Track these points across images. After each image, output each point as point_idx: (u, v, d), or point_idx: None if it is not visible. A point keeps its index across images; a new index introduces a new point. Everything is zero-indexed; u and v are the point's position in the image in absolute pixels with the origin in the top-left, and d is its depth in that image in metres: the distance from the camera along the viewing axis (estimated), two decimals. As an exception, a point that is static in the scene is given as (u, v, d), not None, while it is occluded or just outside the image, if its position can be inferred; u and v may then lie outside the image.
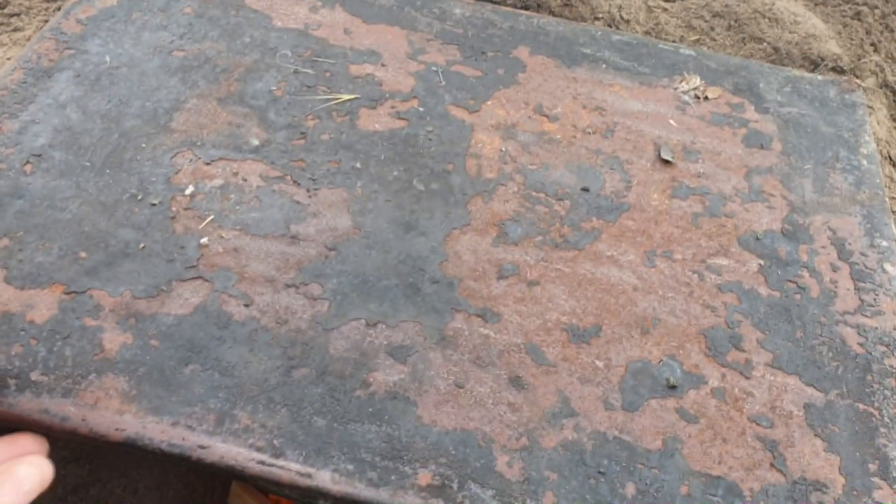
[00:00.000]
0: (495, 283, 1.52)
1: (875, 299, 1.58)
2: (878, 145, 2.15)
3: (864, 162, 1.83)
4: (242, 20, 1.97)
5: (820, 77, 2.03)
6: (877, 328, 1.54)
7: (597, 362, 1.43)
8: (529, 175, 1.72)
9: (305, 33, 1.96)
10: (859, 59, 2.38)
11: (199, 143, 1.69)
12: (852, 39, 2.48)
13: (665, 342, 1.48)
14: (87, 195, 1.58)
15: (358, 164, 1.69)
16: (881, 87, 2.35)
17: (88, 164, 1.63)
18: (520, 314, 1.48)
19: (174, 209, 1.57)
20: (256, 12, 2.00)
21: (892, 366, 1.49)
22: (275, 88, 1.82)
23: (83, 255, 1.48)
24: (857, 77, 2.31)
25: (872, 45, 2.50)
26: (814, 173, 1.79)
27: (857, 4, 2.62)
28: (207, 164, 1.65)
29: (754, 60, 2.05)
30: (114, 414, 1.28)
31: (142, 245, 1.51)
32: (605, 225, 1.65)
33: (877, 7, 2.62)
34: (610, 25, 2.41)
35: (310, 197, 1.62)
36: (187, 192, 1.60)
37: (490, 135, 1.78)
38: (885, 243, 1.68)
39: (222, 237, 1.53)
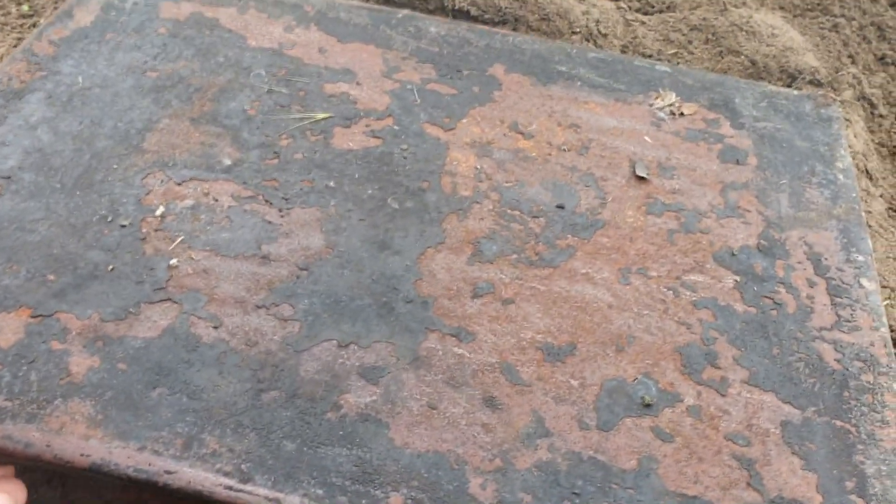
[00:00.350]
0: (470, 301, 1.50)
1: (852, 314, 1.57)
2: (854, 158, 2.15)
3: (840, 176, 1.83)
4: (217, 40, 1.96)
5: (795, 92, 2.03)
6: (853, 344, 1.53)
7: (571, 381, 1.41)
8: (505, 192, 1.70)
9: (280, 52, 1.94)
10: (837, 72, 2.38)
11: (170, 164, 1.67)
12: (830, 52, 2.48)
13: (640, 360, 1.46)
14: (56, 217, 1.56)
15: (332, 183, 1.67)
16: (858, 100, 2.35)
17: (59, 185, 1.61)
18: (494, 333, 1.46)
19: (144, 230, 1.55)
20: (231, 32, 1.99)
21: (868, 382, 1.47)
22: (248, 108, 1.80)
23: (51, 277, 1.46)
24: (835, 89, 2.31)
25: (850, 56, 2.51)
26: (790, 188, 1.79)
27: (835, 16, 2.63)
28: (179, 184, 1.63)
29: (730, 76, 2.05)
30: (79, 439, 1.26)
31: (111, 267, 1.48)
32: (579, 242, 1.63)
33: (854, 19, 2.63)
34: (588, 40, 2.40)
35: (282, 216, 1.60)
36: (158, 212, 1.58)
37: (465, 152, 1.77)
38: (861, 258, 1.67)
39: (192, 258, 1.51)
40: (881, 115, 2.36)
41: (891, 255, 2.12)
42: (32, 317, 1.40)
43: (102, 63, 1.87)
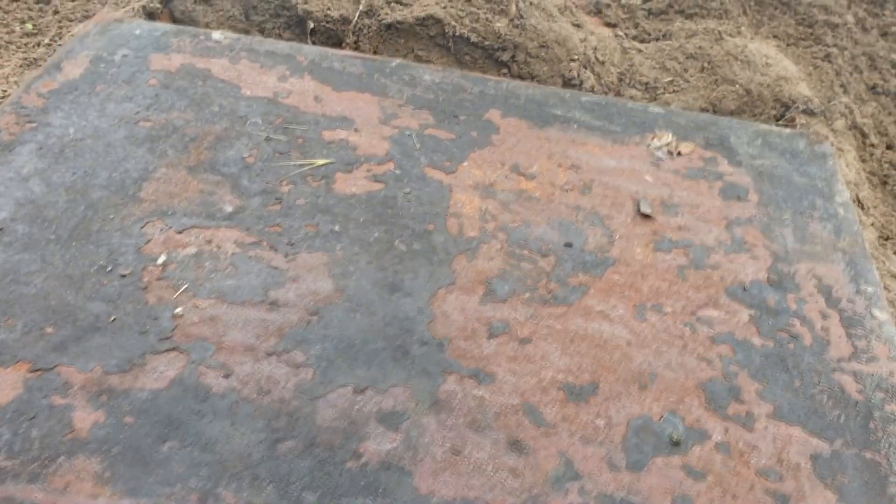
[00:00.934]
0: (486, 341, 1.45)
1: (868, 345, 1.55)
2: (846, 187, 2.15)
3: (841, 210, 1.82)
4: (210, 90, 1.92)
5: (788, 130, 2.04)
6: (873, 374, 1.50)
7: (597, 421, 1.36)
8: (512, 232, 1.67)
9: (275, 101, 1.91)
10: (829, 101, 2.40)
11: (169, 212, 1.61)
12: (822, 81, 2.51)
13: (664, 397, 1.41)
14: (52, 268, 1.48)
15: (337, 227, 1.62)
16: (850, 129, 2.37)
17: (53, 236, 1.54)
18: (514, 373, 1.41)
19: (146, 279, 1.48)
20: (224, 82, 1.95)
21: (893, 412, 1.44)
22: (247, 156, 1.76)
23: (50, 330, 1.38)
24: (828, 119, 2.33)
25: (842, 86, 2.54)
26: (793, 223, 1.77)
27: (827, 46, 2.67)
28: (179, 232, 1.57)
29: (722, 116, 2.05)
30: (86, 498, 1.17)
31: (112, 318, 1.41)
32: (592, 280, 1.59)
33: (846, 49, 2.67)
34: (585, 67, 2.41)
35: (288, 262, 1.54)
36: (159, 261, 1.51)
37: (469, 194, 1.73)
38: (870, 289, 1.65)
39: (198, 306, 1.44)
40: (872, 145, 2.38)
41: (884, 280, 2.11)
42: (31, 371, 1.32)
43: (94, 114, 1.82)
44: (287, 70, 2.01)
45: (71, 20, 2.53)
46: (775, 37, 2.71)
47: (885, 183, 2.32)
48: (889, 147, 2.41)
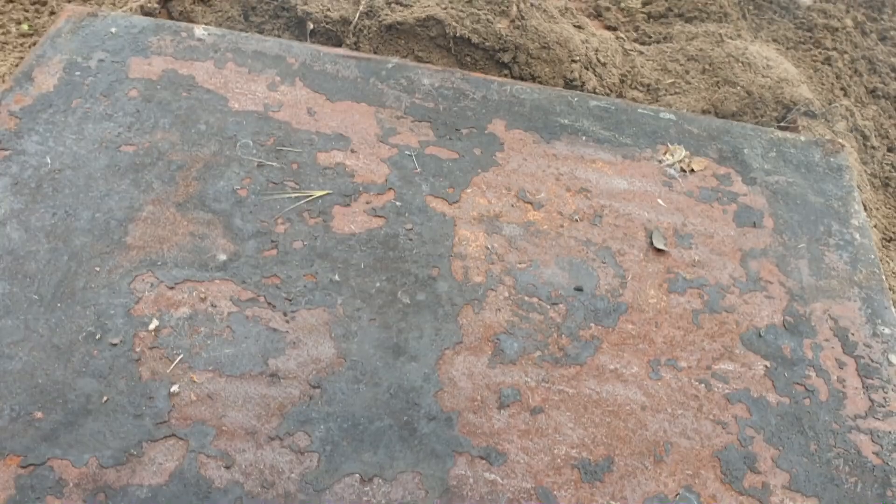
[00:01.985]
0: (496, 413, 1.37)
1: (885, 398, 1.48)
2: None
3: (857, 236, 1.72)
4: (195, 103, 1.76)
5: (803, 138, 1.91)
6: (890, 433, 1.44)
7: (612, 503, 1.30)
8: (519, 276, 1.56)
9: (266, 116, 1.75)
10: (830, 104, 2.27)
11: (159, 262, 1.49)
12: (823, 84, 2.37)
13: (679, 470, 1.35)
14: (37, 337, 1.37)
15: (336, 277, 1.51)
16: (851, 131, 2.24)
17: (36, 296, 1.42)
18: (526, 451, 1.33)
19: (138, 349, 1.37)
20: (210, 92, 1.79)
21: (909, 477, 1.39)
22: (238, 187, 1.62)
23: (39, 415, 1.28)
24: (829, 121, 2.20)
25: (842, 89, 2.40)
26: (808, 253, 1.68)
27: (827, 49, 2.51)
28: (171, 287, 1.46)
29: (736, 123, 1.92)
30: None
31: (105, 398, 1.31)
32: (604, 332, 1.50)
33: (846, 52, 2.51)
34: (587, 68, 2.24)
35: (287, 322, 1.44)
36: (151, 326, 1.40)
37: (473, 229, 1.62)
38: (887, 330, 1.58)
39: (194, 381, 1.34)
40: (873, 147, 2.26)
41: (889, 281, 2.04)
42: (22, 466, 1.23)
43: (71, 137, 1.66)
44: (277, 75, 1.84)
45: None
46: (775, 40, 2.53)
47: (886, 185, 2.21)
48: (890, 149, 2.29)
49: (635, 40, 2.47)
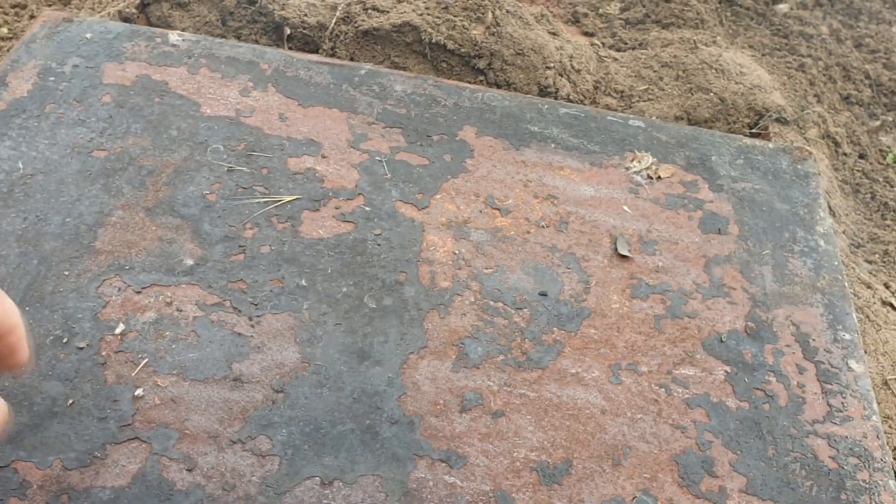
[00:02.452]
0: (458, 417, 1.39)
1: (843, 403, 1.50)
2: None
3: (822, 242, 1.75)
4: (168, 108, 1.77)
5: (771, 145, 1.93)
6: (847, 437, 1.46)
7: (569, 506, 1.32)
8: (485, 281, 1.58)
9: (237, 122, 1.77)
10: (803, 110, 2.29)
11: (127, 266, 1.50)
12: (796, 91, 2.39)
13: (637, 474, 1.37)
14: (4, 341, 1.38)
15: (303, 282, 1.53)
16: (823, 138, 2.27)
17: (4, 300, 1.43)
18: (486, 454, 1.35)
19: (104, 353, 1.39)
20: (183, 98, 1.80)
21: (864, 480, 1.41)
22: (208, 192, 1.64)
23: (3, 417, 1.30)
24: (801, 127, 2.23)
25: (816, 96, 2.42)
26: (772, 259, 1.70)
27: (801, 56, 2.54)
28: (138, 292, 1.47)
29: (704, 130, 1.94)
30: None
31: (70, 401, 1.33)
32: (566, 336, 1.52)
33: (820, 59, 2.54)
34: (561, 75, 2.27)
35: (252, 326, 1.45)
36: (118, 330, 1.42)
37: (442, 235, 1.63)
38: (847, 336, 1.60)
39: (159, 385, 1.36)
40: (845, 154, 2.29)
41: (854, 287, 2.06)
42: (-15, 469, 1.24)
43: (44, 143, 1.67)
44: (250, 81, 1.86)
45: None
46: (751, 47, 2.56)
47: (857, 191, 2.24)
48: (862, 156, 2.32)
49: (611, 47, 2.50)
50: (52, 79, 1.79)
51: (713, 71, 2.26)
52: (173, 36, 1.92)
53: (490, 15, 2.32)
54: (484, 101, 1.91)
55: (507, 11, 2.34)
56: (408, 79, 1.92)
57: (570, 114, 1.91)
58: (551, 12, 2.75)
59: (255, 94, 1.83)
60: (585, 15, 2.71)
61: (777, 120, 2.19)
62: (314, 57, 1.94)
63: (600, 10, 2.77)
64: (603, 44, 2.50)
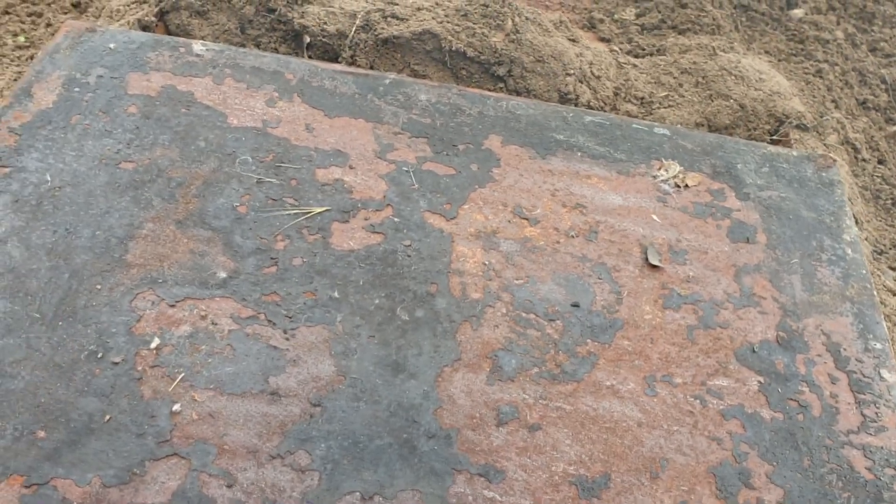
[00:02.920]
0: (495, 430, 1.38)
1: (877, 413, 1.49)
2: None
3: (849, 251, 1.74)
4: (194, 119, 1.76)
5: (795, 153, 1.93)
6: (882, 448, 1.45)
7: (609, 520, 1.31)
8: (517, 292, 1.57)
9: (265, 132, 1.76)
10: (821, 117, 2.29)
11: (160, 280, 1.49)
12: (815, 96, 2.39)
13: (675, 486, 1.36)
14: (39, 356, 1.37)
15: (336, 294, 1.52)
16: (842, 144, 2.26)
17: (38, 315, 1.42)
18: (524, 468, 1.34)
19: (139, 368, 1.38)
20: (209, 108, 1.79)
21: (901, 491, 1.40)
22: (238, 204, 1.63)
23: (41, 434, 1.29)
24: (820, 134, 2.22)
25: (833, 101, 2.42)
26: (801, 268, 1.69)
27: (818, 62, 2.53)
28: (172, 305, 1.46)
29: (729, 138, 1.93)
30: None
31: (107, 417, 1.32)
32: (600, 348, 1.51)
33: (837, 64, 2.54)
34: (581, 81, 2.26)
35: (287, 339, 1.44)
36: (153, 345, 1.40)
37: (471, 245, 1.63)
38: (878, 345, 1.59)
39: (196, 400, 1.35)
40: (864, 160, 2.28)
41: (880, 295, 2.06)
42: (25, 486, 1.23)
43: (71, 154, 1.66)
44: (275, 91, 1.85)
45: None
46: (767, 52, 2.55)
47: (877, 197, 2.23)
48: (881, 162, 2.31)
49: (629, 52, 2.49)
50: (77, 89, 1.78)
51: (732, 77, 2.25)
52: (197, 46, 1.91)
53: (510, 22, 2.31)
54: (508, 109, 1.90)
55: (527, 18, 2.33)
56: (432, 88, 1.91)
57: (595, 122, 1.90)
58: (567, 18, 2.74)
59: (282, 104, 1.82)
60: (601, 21, 2.70)
61: (797, 126, 2.19)
62: (338, 67, 1.93)
63: (616, 16, 2.76)
64: (621, 49, 2.49)
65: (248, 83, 1.85)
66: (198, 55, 1.90)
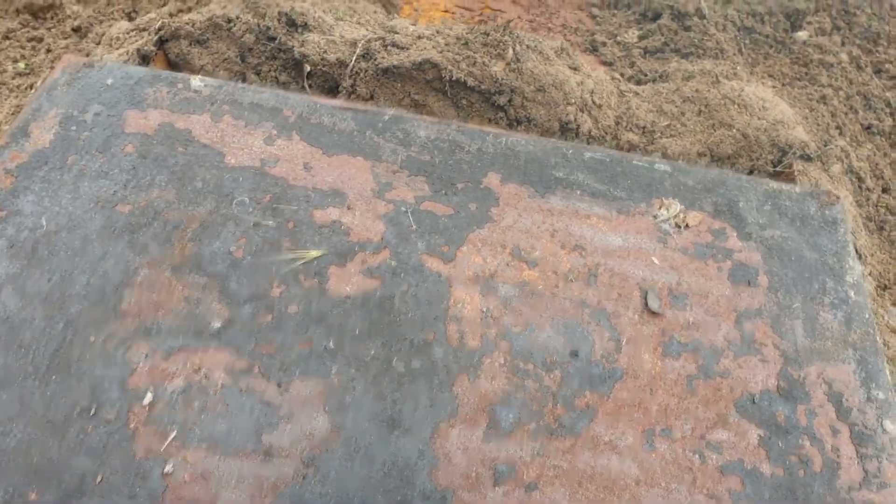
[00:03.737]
0: (491, 491, 1.33)
1: (878, 468, 1.44)
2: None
3: (852, 293, 1.68)
4: (192, 159, 1.71)
5: (798, 189, 1.87)
6: (883, 504, 1.40)
7: (606, 585, 1.26)
8: (515, 340, 1.52)
9: (262, 172, 1.71)
10: (825, 145, 2.22)
11: (154, 330, 1.45)
12: (818, 124, 2.32)
13: (673, 548, 1.31)
14: (32, 413, 1.33)
15: (331, 343, 1.47)
16: (846, 174, 2.20)
17: (32, 367, 1.38)
18: (520, 530, 1.30)
19: (132, 425, 1.33)
20: (207, 147, 1.74)
21: (903, 551, 1.35)
22: (234, 248, 1.58)
23: (33, 496, 1.25)
24: (824, 164, 2.16)
25: (838, 127, 2.35)
26: (803, 312, 1.64)
27: (823, 86, 2.46)
28: (166, 358, 1.42)
29: (731, 173, 1.87)
30: None
31: (99, 478, 1.27)
32: (599, 399, 1.46)
33: (841, 89, 2.47)
34: (582, 111, 2.20)
35: (281, 393, 1.40)
36: (146, 400, 1.36)
37: (469, 290, 1.58)
38: (881, 395, 1.54)
39: (188, 461, 1.30)
40: (868, 189, 2.22)
41: (883, 336, 2.00)
42: (15, 553, 1.19)
43: (67, 197, 1.62)
44: (274, 128, 1.80)
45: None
46: (771, 76, 2.49)
47: (881, 228, 2.17)
48: (885, 190, 2.25)
49: (630, 78, 2.43)
50: (73, 128, 1.74)
51: (735, 106, 2.19)
52: (195, 81, 1.86)
53: (510, 51, 2.25)
54: (508, 146, 1.84)
55: (528, 47, 2.27)
56: (431, 124, 1.86)
57: (596, 158, 1.84)
58: (569, 41, 2.68)
59: (280, 142, 1.77)
60: (604, 44, 2.63)
61: (801, 157, 2.13)
62: (337, 102, 1.87)
63: (619, 38, 2.69)
64: (622, 75, 2.43)
65: (247, 120, 1.80)
66: (196, 91, 1.84)
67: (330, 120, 1.83)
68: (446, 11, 2.77)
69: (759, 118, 2.18)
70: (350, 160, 1.76)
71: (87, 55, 2.35)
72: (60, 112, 1.76)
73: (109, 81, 1.83)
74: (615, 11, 2.83)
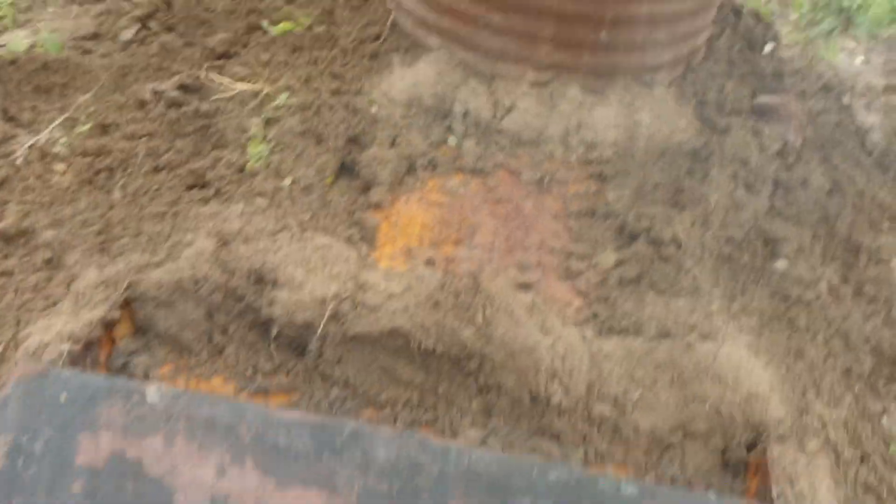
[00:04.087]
0: None
1: None
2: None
3: None
4: (139, 500, 1.65)
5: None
6: None
7: None
8: None
9: (211, 514, 1.64)
10: (801, 415, 2.15)
11: None
12: (795, 385, 2.25)
13: None
14: None
15: None
16: (823, 447, 2.12)
17: None
18: None
19: None
20: (156, 483, 1.68)
21: None
22: None
23: None
24: (800, 440, 2.09)
25: (815, 384, 2.28)
26: None
27: (801, 331, 2.40)
28: None
29: (700, 495, 1.80)
30: None
31: None
32: None
33: (818, 332, 2.40)
34: (552, 378, 2.14)
35: None
36: None
37: None
38: None
39: None
40: (846, 462, 2.14)
41: None
42: None
43: (8, 555, 1.55)
44: (227, 453, 1.73)
45: (30, 310, 2.23)
46: (748, 314, 2.42)
47: (860, 510, 2.10)
48: (863, 459, 2.17)
49: (604, 323, 2.34)
50: (21, 461, 1.68)
51: (709, 377, 2.13)
52: (151, 392, 1.80)
53: (480, 316, 2.20)
54: (470, 465, 1.77)
55: (498, 308, 2.22)
56: (391, 440, 1.79)
57: (561, 479, 1.77)
58: (543, 264, 2.63)
59: (233, 472, 1.71)
60: (580, 273, 2.58)
61: (776, 438, 2.06)
62: (296, 415, 1.81)
63: (594, 261, 2.64)
64: (595, 316, 2.37)
65: (200, 442, 1.74)
66: (151, 404, 1.79)
67: (286, 439, 1.77)
68: (424, 226, 2.72)
69: (732, 390, 2.12)
70: (304, 494, 1.70)
71: (55, 304, 2.30)
72: (9, 440, 1.71)
73: (63, 398, 1.78)
74: (592, 222, 2.77)
